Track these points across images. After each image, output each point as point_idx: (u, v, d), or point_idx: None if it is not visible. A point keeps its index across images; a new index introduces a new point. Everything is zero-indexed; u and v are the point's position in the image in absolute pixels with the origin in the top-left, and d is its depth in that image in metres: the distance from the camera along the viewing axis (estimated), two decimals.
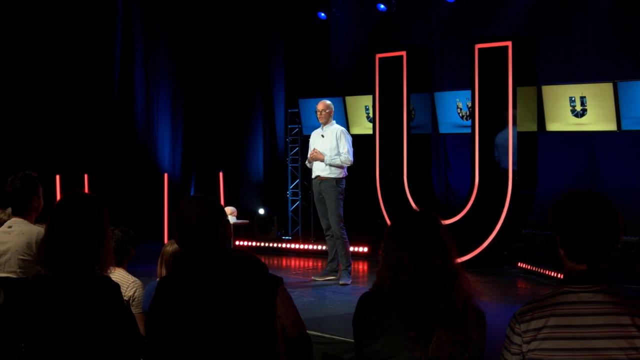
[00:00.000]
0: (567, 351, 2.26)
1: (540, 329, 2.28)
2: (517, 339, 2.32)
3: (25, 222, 4.22)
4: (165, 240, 10.67)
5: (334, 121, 7.77)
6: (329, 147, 7.52)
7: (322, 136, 7.65)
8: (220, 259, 2.54)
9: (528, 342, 2.29)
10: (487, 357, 2.58)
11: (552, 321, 2.28)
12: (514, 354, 2.33)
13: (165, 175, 10.90)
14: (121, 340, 2.85)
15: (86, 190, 10.09)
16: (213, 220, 2.61)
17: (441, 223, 2.55)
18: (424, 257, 2.44)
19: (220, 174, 10.78)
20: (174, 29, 11.57)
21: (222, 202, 10.38)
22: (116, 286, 2.85)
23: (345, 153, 7.48)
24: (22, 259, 4.10)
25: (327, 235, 7.69)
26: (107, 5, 10.73)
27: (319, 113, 7.70)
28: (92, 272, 2.86)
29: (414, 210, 2.59)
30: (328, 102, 7.77)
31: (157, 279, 4.48)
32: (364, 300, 2.54)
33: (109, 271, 3.04)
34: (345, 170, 7.59)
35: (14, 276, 4.10)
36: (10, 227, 4.21)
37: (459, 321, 2.40)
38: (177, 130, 11.70)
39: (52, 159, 9.65)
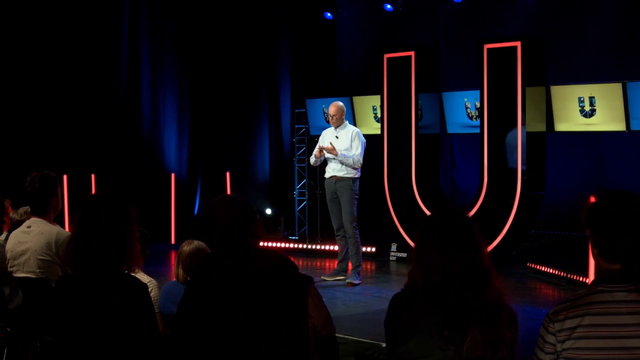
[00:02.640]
0: (601, 350, 2.26)
1: (575, 328, 2.29)
2: (551, 338, 2.32)
3: (44, 222, 4.20)
4: (173, 241, 10.70)
5: (347, 122, 7.72)
6: (343, 148, 7.50)
7: (337, 137, 7.59)
8: (251, 259, 2.53)
9: (562, 342, 2.30)
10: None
11: (587, 320, 2.29)
12: (548, 353, 2.33)
13: (173, 175, 10.91)
14: (146, 340, 2.84)
15: (93, 190, 10.09)
16: (244, 221, 2.60)
17: (473, 222, 2.55)
18: (457, 257, 2.44)
19: (227, 174, 10.81)
20: (180, 29, 11.57)
21: None
22: (144, 286, 2.84)
23: (357, 154, 7.46)
24: (41, 259, 4.08)
25: (338, 236, 7.68)
26: (114, 6, 10.73)
27: (330, 117, 7.65)
28: (120, 272, 2.85)
29: (446, 210, 2.60)
30: (340, 104, 7.70)
31: (174, 279, 4.49)
32: (396, 300, 2.54)
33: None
34: (359, 171, 7.58)
35: (33, 276, 4.09)
36: (29, 227, 4.20)
37: (493, 320, 2.40)
38: (183, 130, 11.70)
39: (59, 159, 9.63)
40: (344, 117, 7.66)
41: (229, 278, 2.50)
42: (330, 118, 7.67)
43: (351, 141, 7.50)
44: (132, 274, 2.99)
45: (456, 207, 2.58)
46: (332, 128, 7.72)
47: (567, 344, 2.29)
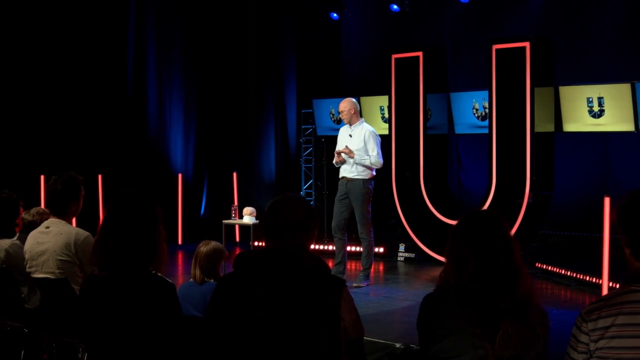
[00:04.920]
0: (635, 349, 2.27)
1: (608, 327, 2.30)
2: (584, 338, 2.34)
3: (63, 222, 4.19)
4: (180, 241, 10.70)
5: (363, 119, 7.54)
6: (356, 148, 7.30)
7: (350, 135, 7.42)
8: (287, 258, 2.54)
9: (596, 341, 2.31)
10: None
11: (620, 320, 2.29)
12: (581, 352, 2.34)
13: (180, 175, 10.91)
14: (174, 340, 2.84)
15: (100, 191, 10.10)
16: (309, 221, 2.64)
17: (504, 222, 2.58)
18: (488, 255, 2.48)
19: (234, 175, 10.81)
20: (186, 30, 11.57)
21: (236, 203, 10.38)
22: (172, 286, 2.85)
23: (374, 155, 7.30)
24: (60, 260, 4.07)
25: (335, 237, 7.52)
26: (120, 6, 10.73)
27: (340, 113, 7.49)
28: (148, 272, 2.85)
29: (477, 211, 2.65)
30: (349, 100, 7.50)
31: (191, 280, 4.50)
32: (428, 300, 2.57)
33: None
34: (374, 170, 7.41)
35: (53, 277, 4.07)
36: (48, 227, 4.19)
37: (524, 317, 2.43)
38: (189, 130, 11.69)
39: (66, 159, 9.62)
40: (355, 113, 7.43)
41: (264, 276, 2.51)
42: (340, 114, 7.52)
43: (365, 142, 7.31)
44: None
45: (488, 209, 2.60)
46: (346, 126, 7.53)
47: (601, 344, 2.30)
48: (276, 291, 2.48)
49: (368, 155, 7.34)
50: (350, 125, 7.47)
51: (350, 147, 7.37)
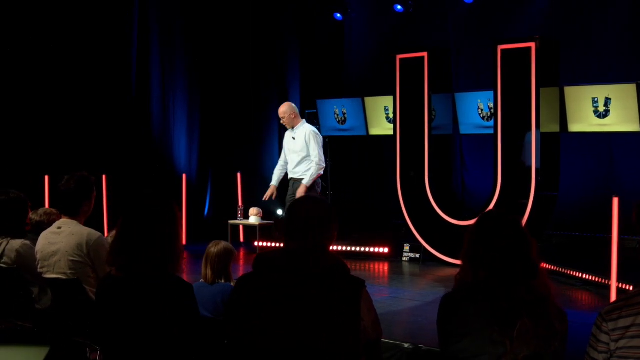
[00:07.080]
0: None
1: (629, 327, 2.31)
2: (604, 337, 2.35)
3: (75, 222, 4.18)
4: (184, 241, 10.69)
5: (304, 121, 7.72)
6: (299, 149, 7.53)
7: (293, 138, 7.65)
8: (306, 258, 2.54)
9: (616, 341, 2.32)
10: None
11: None
12: (601, 352, 2.35)
13: (184, 176, 10.91)
14: (190, 342, 2.85)
15: (104, 192, 10.10)
16: (329, 221, 2.64)
17: (520, 222, 2.62)
18: (501, 255, 2.51)
19: (238, 175, 10.81)
20: (189, 29, 11.57)
21: (240, 203, 10.39)
22: (189, 287, 2.85)
23: (315, 156, 7.44)
24: (72, 260, 4.06)
25: None
26: (123, 8, 10.73)
27: (282, 119, 7.77)
28: (165, 273, 2.85)
29: (491, 212, 2.69)
30: (288, 104, 7.75)
31: (201, 280, 4.50)
32: (447, 300, 2.59)
33: None
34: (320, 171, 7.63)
35: (64, 277, 4.07)
36: (59, 227, 4.18)
37: (541, 311, 2.45)
38: (193, 131, 11.69)
39: (69, 160, 9.62)
40: (296, 117, 7.66)
41: (283, 276, 2.51)
42: (281, 120, 7.79)
43: (307, 142, 7.51)
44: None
45: (503, 210, 2.63)
46: (290, 130, 7.79)
47: (621, 343, 2.31)
48: (295, 292, 2.49)
49: (309, 155, 7.54)
50: (293, 128, 7.69)
51: (294, 149, 7.68)
